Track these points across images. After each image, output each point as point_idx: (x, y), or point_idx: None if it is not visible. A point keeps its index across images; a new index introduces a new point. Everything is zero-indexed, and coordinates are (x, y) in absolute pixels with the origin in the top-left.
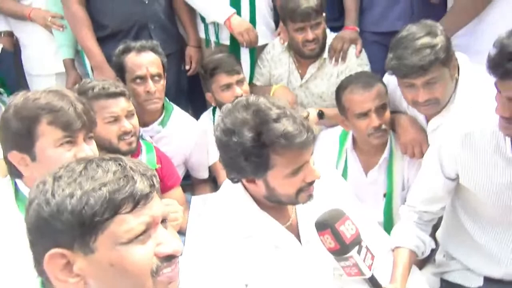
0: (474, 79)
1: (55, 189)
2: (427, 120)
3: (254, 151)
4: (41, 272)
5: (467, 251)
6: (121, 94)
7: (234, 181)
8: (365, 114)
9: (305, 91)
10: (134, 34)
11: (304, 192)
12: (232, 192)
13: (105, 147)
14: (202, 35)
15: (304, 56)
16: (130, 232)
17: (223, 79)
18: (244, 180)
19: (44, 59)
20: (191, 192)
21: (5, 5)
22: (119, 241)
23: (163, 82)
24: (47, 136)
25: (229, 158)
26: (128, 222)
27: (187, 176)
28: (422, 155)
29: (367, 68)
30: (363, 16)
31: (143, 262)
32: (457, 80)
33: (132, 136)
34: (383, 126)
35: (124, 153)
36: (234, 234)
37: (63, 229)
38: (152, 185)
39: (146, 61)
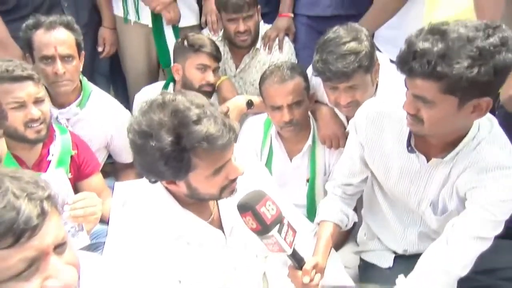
0: (393, 80)
1: None
2: (347, 117)
3: (174, 155)
4: None
5: (379, 224)
6: (28, 77)
7: (152, 181)
8: (278, 108)
9: (239, 81)
10: (45, 9)
11: (228, 188)
12: (153, 189)
13: (11, 135)
14: (120, 12)
15: (236, 46)
16: (9, 270)
17: (205, 59)
18: (164, 182)
19: None
20: (114, 176)
21: None
22: None
23: (75, 63)
24: None
25: (146, 162)
26: (7, 259)
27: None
28: (338, 147)
29: (293, 58)
30: None
31: None
32: (377, 83)
33: (41, 123)
34: (295, 121)
35: (33, 141)
36: (162, 234)
37: None
38: (41, 214)
39: (55, 39)
